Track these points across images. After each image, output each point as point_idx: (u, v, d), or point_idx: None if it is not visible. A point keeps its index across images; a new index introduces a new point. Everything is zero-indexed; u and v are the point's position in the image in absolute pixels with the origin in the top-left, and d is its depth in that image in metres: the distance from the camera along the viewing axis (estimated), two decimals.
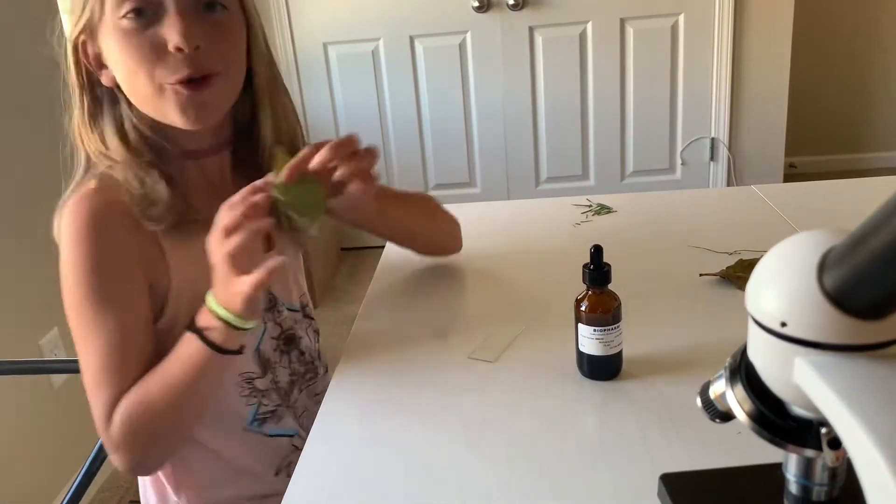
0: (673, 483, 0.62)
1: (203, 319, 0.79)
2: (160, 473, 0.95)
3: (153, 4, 0.77)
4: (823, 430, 0.46)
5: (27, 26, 1.72)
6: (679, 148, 3.09)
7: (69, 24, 0.82)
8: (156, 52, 0.78)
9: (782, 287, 0.43)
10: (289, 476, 0.96)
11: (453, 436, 0.75)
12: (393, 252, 1.20)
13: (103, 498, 1.87)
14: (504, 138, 3.10)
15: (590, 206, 1.38)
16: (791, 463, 0.53)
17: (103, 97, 0.84)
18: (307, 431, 0.98)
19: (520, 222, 1.37)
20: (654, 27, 2.92)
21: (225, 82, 0.83)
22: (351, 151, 0.82)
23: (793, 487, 0.53)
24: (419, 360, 0.90)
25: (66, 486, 1.10)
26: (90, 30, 0.80)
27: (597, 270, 0.79)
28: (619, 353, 0.82)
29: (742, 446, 0.67)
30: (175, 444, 0.88)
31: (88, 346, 0.81)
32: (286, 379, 0.98)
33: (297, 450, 0.97)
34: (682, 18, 2.89)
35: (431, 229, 1.13)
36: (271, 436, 0.95)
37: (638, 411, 0.76)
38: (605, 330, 0.79)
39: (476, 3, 2.88)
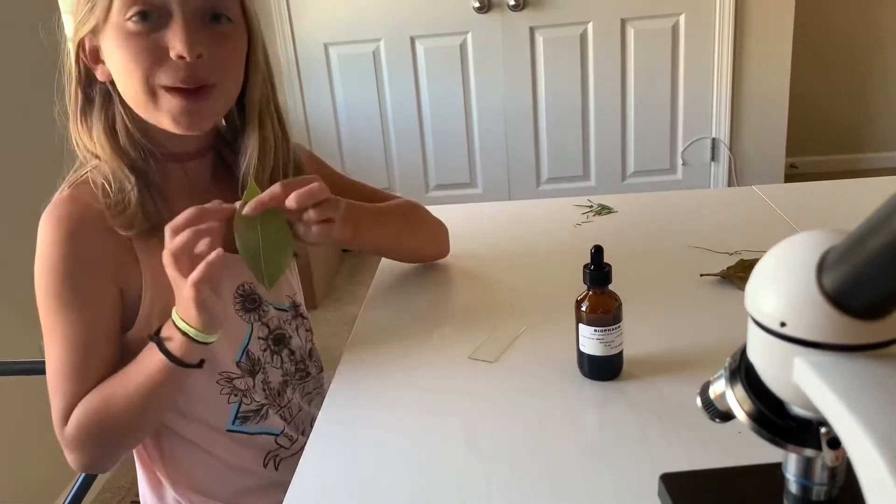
0: (673, 483, 0.62)
1: (166, 329, 0.80)
2: (156, 470, 0.96)
3: (160, 9, 0.78)
4: (823, 430, 0.46)
5: (26, 23, 1.73)
6: (680, 148, 3.09)
7: (72, 22, 0.83)
8: (156, 57, 0.78)
9: (781, 287, 0.43)
10: (276, 468, 0.97)
11: (453, 436, 0.75)
12: None
13: (104, 499, 1.87)
14: (505, 139, 3.10)
15: (590, 206, 1.38)
16: (791, 462, 0.53)
17: (96, 94, 0.85)
18: (300, 431, 0.98)
19: (521, 223, 1.37)
20: (654, 27, 2.92)
21: (220, 94, 0.83)
22: (315, 202, 0.83)
23: (792, 487, 0.53)
24: (420, 361, 0.91)
25: (68, 487, 1.10)
26: (95, 28, 0.80)
27: (597, 271, 0.79)
28: (620, 354, 0.82)
29: (742, 446, 0.67)
30: (129, 447, 0.90)
31: (52, 348, 0.84)
32: (278, 379, 0.98)
33: (281, 447, 0.97)
34: (682, 19, 2.89)
35: (413, 241, 1.13)
36: (253, 434, 0.96)
37: (638, 411, 0.76)
38: (605, 330, 0.79)
39: (477, 4, 2.88)
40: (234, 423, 0.94)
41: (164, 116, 0.81)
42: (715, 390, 0.54)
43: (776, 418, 0.49)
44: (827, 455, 0.46)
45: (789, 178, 3.40)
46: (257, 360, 0.95)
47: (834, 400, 0.38)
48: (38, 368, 1.63)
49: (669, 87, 2.99)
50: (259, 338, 0.95)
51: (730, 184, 3.10)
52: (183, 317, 0.78)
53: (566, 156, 3.12)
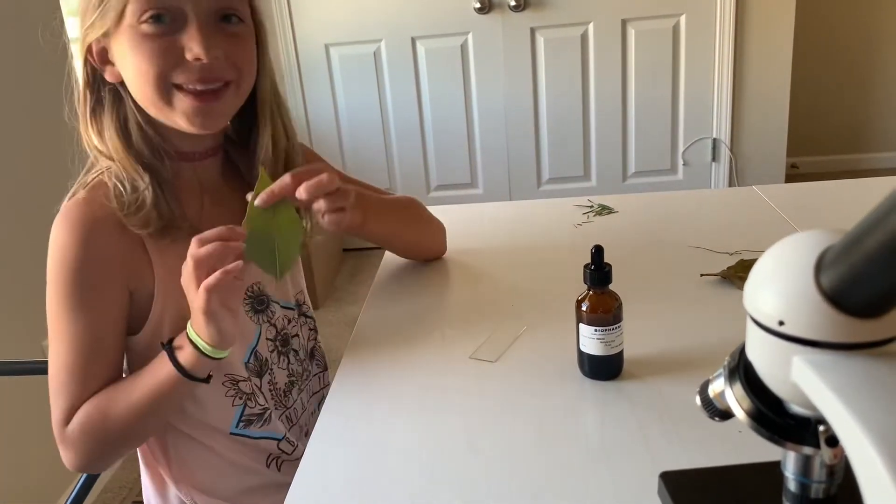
0: (673, 481, 0.62)
1: (178, 339, 0.81)
2: (160, 469, 0.96)
3: (174, 12, 0.78)
4: (821, 428, 0.46)
5: (27, 24, 1.73)
6: (681, 148, 3.09)
7: (80, 25, 0.82)
8: (171, 58, 0.79)
9: (780, 286, 0.43)
10: (279, 469, 0.97)
11: (454, 435, 0.76)
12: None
13: (106, 499, 1.88)
14: (506, 139, 3.11)
15: (591, 206, 1.38)
16: (789, 461, 0.53)
17: (106, 95, 0.85)
18: (304, 432, 0.98)
19: (521, 223, 1.37)
20: (655, 28, 2.92)
21: (234, 92, 0.84)
22: (325, 192, 0.83)
23: (791, 485, 0.53)
24: (420, 360, 0.91)
25: (69, 487, 1.11)
26: (106, 31, 0.80)
27: (598, 270, 0.79)
28: (620, 353, 0.82)
29: (741, 445, 0.67)
30: (126, 451, 0.91)
31: (58, 348, 0.84)
32: (284, 380, 0.98)
33: (283, 452, 0.97)
34: (683, 19, 2.89)
35: (415, 235, 1.14)
36: (256, 438, 0.96)
37: (638, 411, 0.76)
38: (605, 330, 0.80)
39: (477, 5, 2.89)
40: (237, 426, 0.94)
41: (178, 116, 0.82)
42: (714, 389, 0.54)
43: (775, 416, 0.49)
44: (825, 453, 0.46)
45: (790, 178, 3.40)
46: (265, 361, 0.96)
47: (832, 398, 0.39)
48: (38, 368, 1.64)
49: (670, 88, 2.99)
50: (267, 339, 0.96)
51: (731, 184, 3.10)
52: (196, 330, 0.79)
53: (567, 156, 3.12)
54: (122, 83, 0.83)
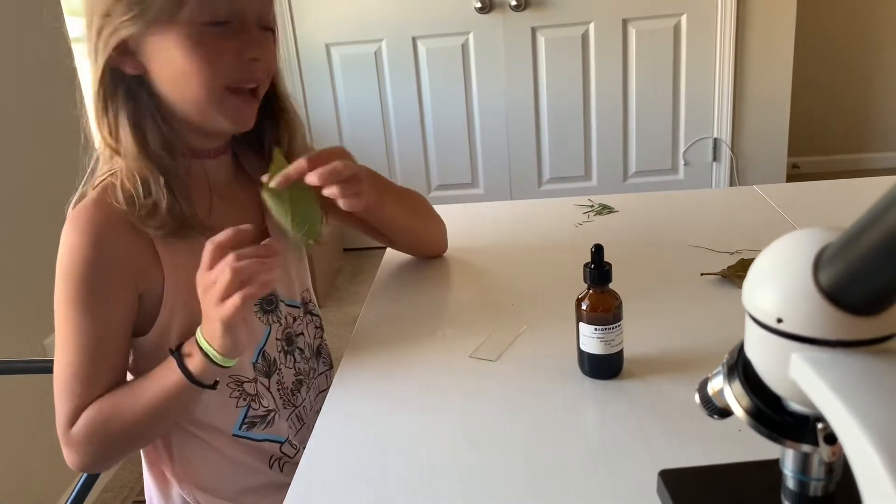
0: (672, 479, 0.62)
1: (187, 346, 0.82)
2: (163, 467, 0.96)
3: (239, 18, 0.81)
4: (820, 426, 0.46)
5: (30, 23, 1.73)
6: (682, 148, 3.09)
7: (105, 18, 0.80)
8: (226, 60, 0.82)
9: (778, 284, 0.44)
10: (281, 469, 0.97)
11: (454, 435, 0.76)
12: (395, 252, 1.21)
13: (107, 498, 1.88)
14: (506, 139, 3.11)
15: (592, 206, 1.38)
16: (788, 458, 0.53)
17: (119, 88, 0.83)
18: (311, 429, 0.99)
19: (522, 222, 1.37)
20: (656, 27, 2.92)
21: (262, 93, 0.88)
22: (341, 179, 0.86)
23: (790, 483, 0.53)
24: (421, 360, 0.91)
25: (69, 486, 1.11)
26: (144, 26, 0.79)
27: (598, 270, 0.79)
28: (620, 352, 0.82)
29: (741, 443, 0.67)
30: (129, 453, 0.91)
31: (64, 350, 0.84)
32: (292, 379, 0.99)
33: (285, 455, 0.98)
34: (684, 19, 2.89)
35: (421, 225, 1.15)
36: (259, 440, 0.96)
37: (638, 410, 0.76)
38: (606, 329, 0.80)
39: (478, 4, 2.89)
40: (240, 427, 0.94)
41: (222, 116, 0.84)
42: (713, 387, 0.54)
43: (773, 414, 0.49)
44: (824, 451, 0.46)
45: (791, 178, 3.40)
46: (273, 361, 0.96)
47: (830, 395, 0.39)
48: (39, 367, 1.64)
49: (671, 88, 2.99)
50: (276, 339, 0.96)
51: (731, 184, 3.09)
52: (207, 338, 0.79)
53: (568, 156, 3.12)
54: (142, 77, 0.83)
